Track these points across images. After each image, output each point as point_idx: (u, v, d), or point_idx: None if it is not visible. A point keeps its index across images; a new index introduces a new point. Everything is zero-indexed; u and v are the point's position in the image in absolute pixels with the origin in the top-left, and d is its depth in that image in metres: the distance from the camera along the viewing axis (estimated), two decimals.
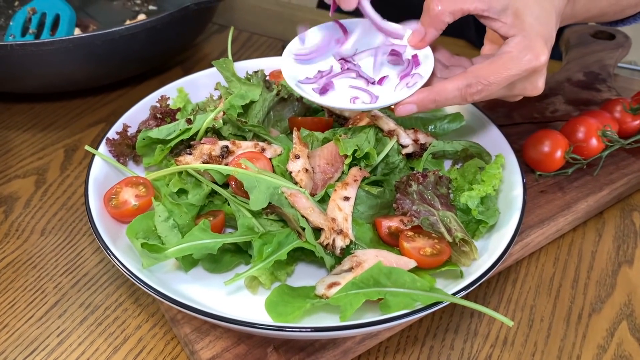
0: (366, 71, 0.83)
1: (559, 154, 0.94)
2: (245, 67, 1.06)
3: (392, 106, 0.78)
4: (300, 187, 0.80)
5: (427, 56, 0.80)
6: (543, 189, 0.96)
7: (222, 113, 0.86)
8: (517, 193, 0.85)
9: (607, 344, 0.79)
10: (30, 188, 1.01)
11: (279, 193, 0.78)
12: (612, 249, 0.93)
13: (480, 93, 0.76)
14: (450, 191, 0.86)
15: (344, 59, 0.85)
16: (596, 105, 1.15)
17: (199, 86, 1.07)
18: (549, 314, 0.83)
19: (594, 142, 0.96)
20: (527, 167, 0.98)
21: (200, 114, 0.90)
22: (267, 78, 0.97)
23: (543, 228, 0.89)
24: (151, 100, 1.00)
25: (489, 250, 0.79)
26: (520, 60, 0.74)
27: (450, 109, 1.02)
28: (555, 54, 1.58)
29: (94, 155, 0.89)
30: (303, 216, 0.76)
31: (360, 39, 0.86)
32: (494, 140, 0.96)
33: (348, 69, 0.84)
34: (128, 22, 1.34)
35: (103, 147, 0.91)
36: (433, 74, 0.80)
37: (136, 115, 0.98)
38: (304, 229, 0.75)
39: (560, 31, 1.49)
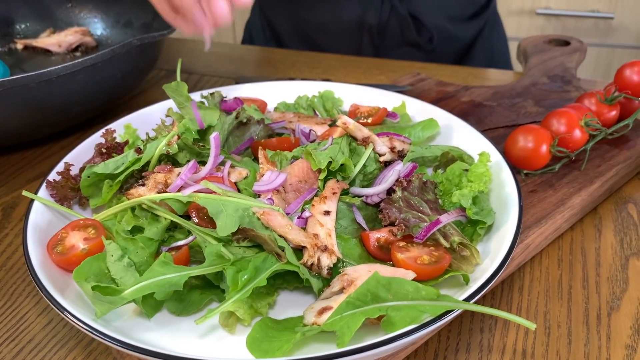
0: None
1: (544, 148, 0.88)
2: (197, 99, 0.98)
3: None
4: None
5: None
6: (532, 188, 0.89)
7: (176, 137, 0.77)
8: (510, 189, 0.78)
9: (634, 342, 0.70)
10: None
11: (249, 214, 0.68)
12: (615, 243, 0.86)
13: None
14: (437, 196, 0.78)
15: None
16: (565, 101, 1.11)
17: (148, 122, 0.97)
18: (565, 319, 0.74)
19: (577, 133, 0.90)
20: (511, 168, 0.92)
21: (150, 143, 0.81)
22: (225, 98, 0.89)
23: (541, 227, 0.81)
24: (96, 139, 0.90)
25: (491, 253, 0.70)
26: None
27: (421, 116, 0.96)
28: (508, 65, 1.58)
29: (31, 202, 0.77)
30: (280, 235, 0.66)
31: None
32: (472, 141, 0.90)
33: None
34: None
35: (43, 192, 0.80)
36: None
37: (80, 156, 0.88)
38: (283, 249, 0.65)
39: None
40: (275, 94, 1.06)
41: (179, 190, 0.72)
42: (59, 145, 1.14)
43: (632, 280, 0.79)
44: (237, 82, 1.31)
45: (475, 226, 0.74)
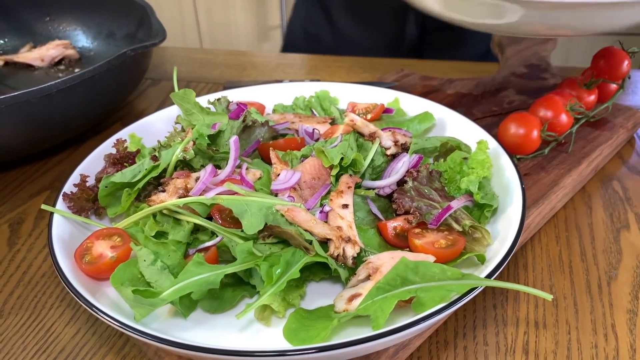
0: None
1: (535, 133, 0.93)
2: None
3: None
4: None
5: None
6: (526, 172, 0.95)
7: (192, 143, 0.79)
8: (510, 173, 0.83)
9: (635, 307, 0.76)
10: None
11: (273, 212, 0.71)
12: (605, 218, 0.92)
13: None
14: (442, 184, 0.83)
15: None
16: (547, 91, 1.17)
17: (150, 131, 0.99)
18: (570, 290, 0.79)
19: (564, 117, 0.96)
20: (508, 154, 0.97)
21: (164, 150, 0.83)
22: (232, 104, 0.91)
23: (539, 207, 0.87)
24: (103, 150, 0.92)
25: (500, 233, 0.75)
26: None
27: (414, 109, 1.01)
28: (491, 56, 1.64)
29: (51, 215, 0.79)
30: (306, 230, 0.70)
31: None
32: (466, 131, 0.95)
33: None
34: None
35: (61, 204, 0.81)
36: None
37: (89, 167, 0.89)
38: (310, 243, 0.68)
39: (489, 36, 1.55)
40: (269, 96, 1.09)
41: (201, 194, 0.74)
42: (57, 159, 1.14)
43: (625, 251, 0.85)
44: (226, 88, 1.34)
45: (481, 210, 0.79)
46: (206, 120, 0.85)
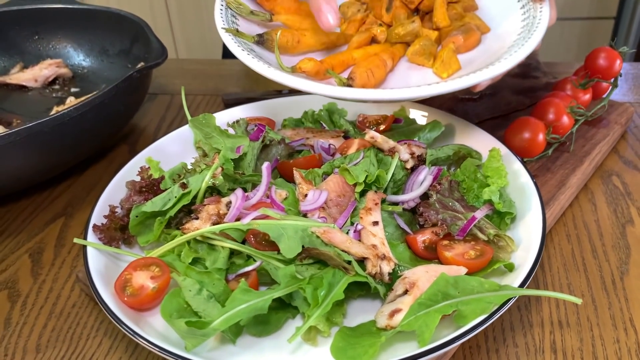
0: None
1: (541, 137, 0.97)
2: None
3: None
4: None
5: None
6: (533, 174, 0.98)
7: (220, 169, 0.81)
8: (525, 179, 0.86)
9: None
10: (4, 306, 0.88)
11: (309, 234, 0.74)
12: (610, 213, 0.97)
13: None
14: (461, 194, 0.86)
15: None
16: (541, 89, 1.22)
17: (165, 153, 1.00)
18: (587, 288, 0.84)
19: (565, 119, 1.01)
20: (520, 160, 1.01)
21: (188, 176, 0.84)
22: (250, 126, 0.93)
23: (550, 208, 0.91)
24: (122, 177, 0.92)
25: (523, 240, 0.79)
26: None
27: (419, 118, 1.04)
28: None
29: (84, 249, 0.79)
30: (343, 250, 0.72)
31: None
32: (473, 137, 0.98)
33: None
34: (55, 108, 1.25)
35: (91, 236, 0.82)
36: None
37: (111, 195, 0.90)
38: (349, 263, 0.71)
39: None
40: (276, 110, 1.10)
41: (236, 219, 0.76)
42: (65, 184, 1.13)
43: (633, 245, 0.91)
44: (225, 99, 1.35)
45: (500, 217, 0.83)
46: (227, 143, 0.87)
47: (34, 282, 0.92)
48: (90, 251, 0.79)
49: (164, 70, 1.57)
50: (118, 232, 0.84)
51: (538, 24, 0.81)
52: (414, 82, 0.82)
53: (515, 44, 0.80)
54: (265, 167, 0.81)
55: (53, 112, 1.23)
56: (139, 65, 1.27)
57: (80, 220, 1.04)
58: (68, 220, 1.04)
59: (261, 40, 0.85)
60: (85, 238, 0.82)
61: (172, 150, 1.01)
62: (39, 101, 1.35)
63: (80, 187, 1.13)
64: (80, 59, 1.44)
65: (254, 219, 0.75)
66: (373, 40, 0.88)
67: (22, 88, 1.38)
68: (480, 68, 0.76)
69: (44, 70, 1.38)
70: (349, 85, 0.78)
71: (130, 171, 0.94)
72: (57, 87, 1.39)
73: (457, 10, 0.88)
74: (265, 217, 0.76)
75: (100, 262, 0.79)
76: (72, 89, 1.37)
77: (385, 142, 0.87)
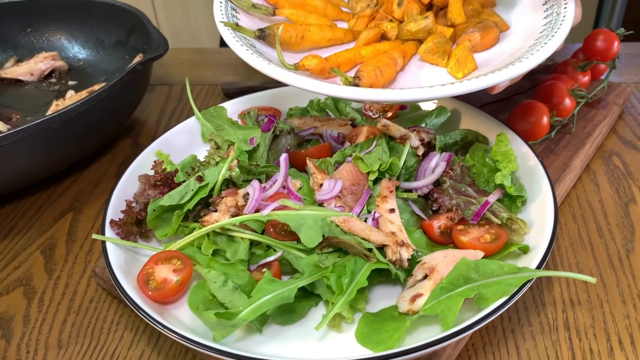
0: None
1: (545, 120, 0.99)
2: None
3: None
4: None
5: None
6: None
7: (236, 161, 0.82)
8: (533, 162, 0.88)
9: None
10: (21, 302, 0.88)
11: (328, 224, 0.75)
12: (612, 193, 1.00)
13: None
14: (472, 179, 0.88)
15: None
16: (539, 72, 1.24)
17: (173, 145, 1.00)
18: (595, 267, 0.87)
19: (567, 102, 1.03)
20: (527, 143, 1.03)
21: (203, 169, 0.85)
22: (260, 117, 0.93)
23: (557, 190, 0.93)
24: (134, 171, 0.92)
25: (535, 222, 0.81)
26: None
27: (427, 104, 1.05)
28: None
29: (104, 244, 0.80)
30: (363, 238, 0.74)
31: None
32: (478, 121, 1.00)
33: None
34: (54, 102, 1.24)
35: (109, 231, 0.82)
36: None
37: (124, 189, 0.90)
38: (370, 250, 0.73)
39: None
40: (281, 100, 1.11)
41: (255, 211, 0.77)
42: (70, 179, 1.13)
43: (637, 223, 0.93)
44: (225, 89, 1.35)
45: (511, 201, 0.85)
46: (239, 135, 0.87)
47: (48, 278, 0.92)
48: (110, 246, 0.79)
49: (160, 61, 1.56)
50: (135, 226, 0.84)
51: (562, 21, 0.76)
52: (426, 82, 0.78)
53: (537, 43, 0.75)
54: (283, 158, 0.82)
55: (53, 106, 1.22)
56: (138, 57, 1.27)
57: (88, 215, 1.04)
58: (77, 215, 1.04)
59: (262, 35, 0.81)
60: (102, 233, 0.82)
61: (180, 142, 1.01)
62: (36, 95, 1.33)
63: (85, 182, 1.12)
64: (75, 51, 1.43)
65: (274, 210, 0.76)
66: (383, 37, 0.86)
67: (18, 82, 1.37)
68: (499, 68, 0.72)
69: (39, 64, 1.36)
70: (356, 85, 0.74)
71: (138, 165, 0.94)
72: (53, 80, 1.37)
73: (474, 6, 0.85)
74: (283, 207, 0.77)
75: (120, 257, 0.79)
76: (70, 82, 1.36)
77: (397, 130, 0.88)
